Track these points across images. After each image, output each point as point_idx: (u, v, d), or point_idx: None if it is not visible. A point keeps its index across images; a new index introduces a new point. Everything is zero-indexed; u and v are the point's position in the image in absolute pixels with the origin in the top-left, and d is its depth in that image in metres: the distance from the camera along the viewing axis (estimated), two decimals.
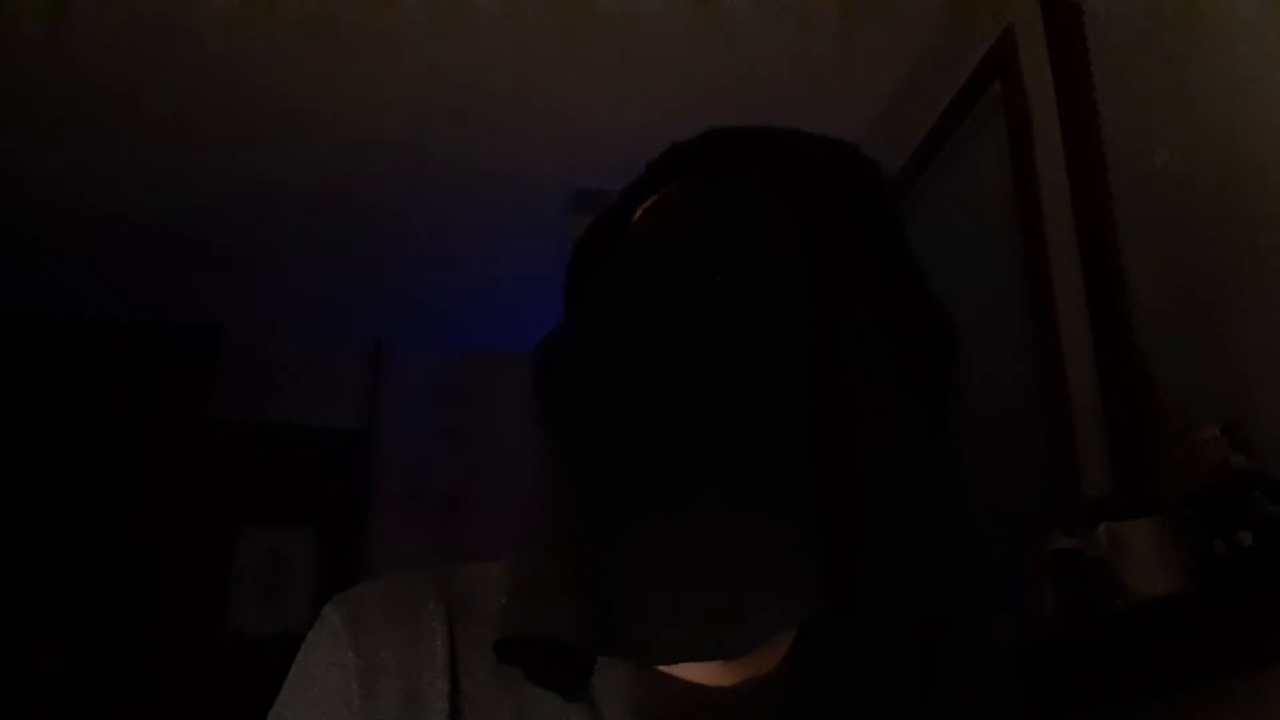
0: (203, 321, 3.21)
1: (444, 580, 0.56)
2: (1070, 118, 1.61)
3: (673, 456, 0.47)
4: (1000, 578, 1.36)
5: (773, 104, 2.20)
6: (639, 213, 0.59)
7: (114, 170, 2.48)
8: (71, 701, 2.80)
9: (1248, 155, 1.25)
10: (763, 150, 0.58)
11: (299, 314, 3.22)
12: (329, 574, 3.07)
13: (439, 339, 3.39)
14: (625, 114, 2.27)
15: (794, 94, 2.20)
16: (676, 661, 0.48)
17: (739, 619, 0.43)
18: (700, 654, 0.45)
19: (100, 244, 2.80)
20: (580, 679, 0.51)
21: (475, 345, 3.39)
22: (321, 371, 3.35)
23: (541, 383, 0.57)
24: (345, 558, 3.12)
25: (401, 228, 2.78)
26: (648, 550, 0.46)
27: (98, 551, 2.92)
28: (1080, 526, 1.33)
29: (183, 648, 2.91)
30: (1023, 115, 1.75)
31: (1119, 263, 1.48)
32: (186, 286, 3.04)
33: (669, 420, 0.48)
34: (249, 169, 2.50)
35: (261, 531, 3.13)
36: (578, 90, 2.24)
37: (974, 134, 1.94)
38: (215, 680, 2.84)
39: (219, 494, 3.08)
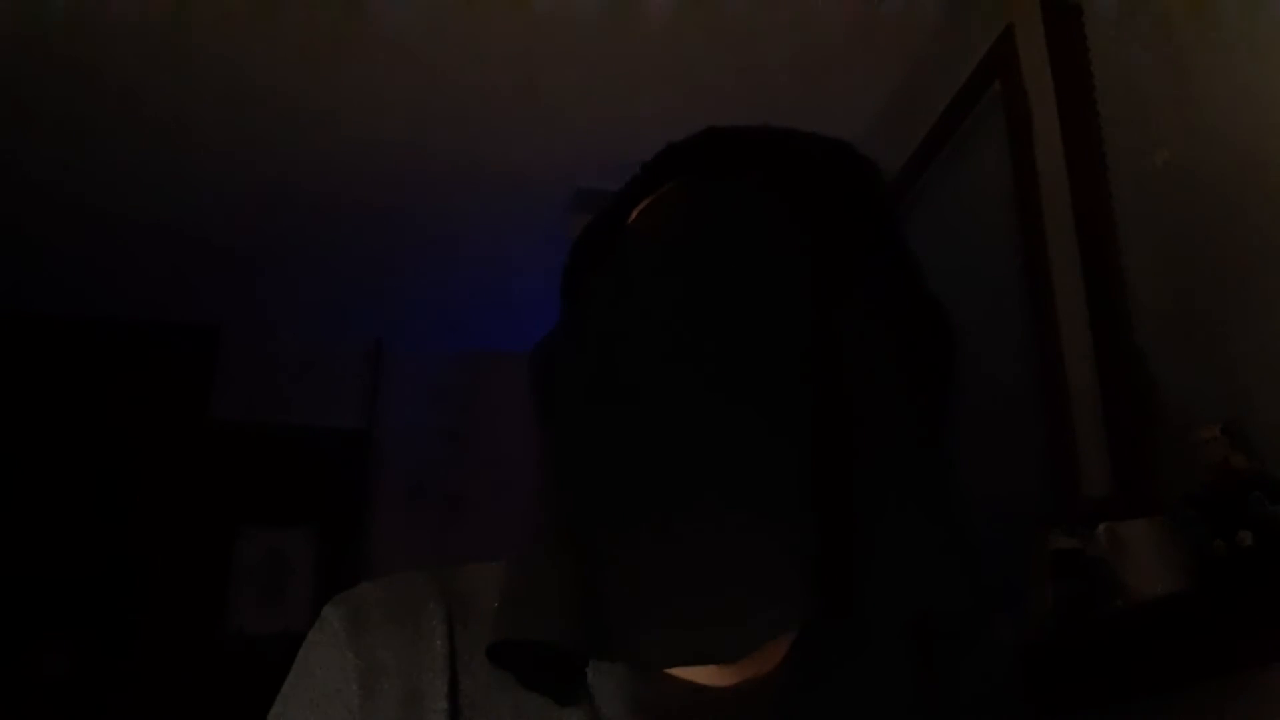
0: (203, 321, 3.20)
1: (444, 580, 0.56)
2: (1070, 118, 1.61)
3: (671, 457, 0.47)
4: (1000, 578, 1.36)
5: (773, 104, 2.20)
6: (636, 213, 0.59)
7: (114, 170, 2.48)
8: (71, 701, 2.79)
9: (1248, 155, 1.25)
10: (761, 150, 0.58)
11: (299, 314, 3.22)
12: (329, 574, 3.07)
13: (439, 339, 3.39)
14: (625, 114, 2.27)
15: (794, 94, 2.20)
16: (672, 665, 0.47)
17: (737, 621, 0.43)
18: (696, 657, 0.45)
19: (100, 244, 2.80)
20: (574, 683, 0.51)
21: (475, 345, 3.39)
22: (322, 371, 3.35)
23: (540, 383, 0.57)
24: (345, 558, 3.11)
25: (402, 227, 2.78)
26: (645, 551, 0.45)
27: (98, 551, 2.92)
28: (1080, 526, 1.33)
29: (183, 648, 2.91)
30: (1023, 115, 1.75)
31: (1119, 263, 1.48)
32: (186, 286, 3.04)
33: (667, 421, 0.48)
34: (249, 169, 2.50)
35: (261, 531, 3.12)
36: (578, 90, 2.24)
37: (974, 134, 1.94)
38: (215, 680, 2.83)
39: (219, 494, 3.08)
